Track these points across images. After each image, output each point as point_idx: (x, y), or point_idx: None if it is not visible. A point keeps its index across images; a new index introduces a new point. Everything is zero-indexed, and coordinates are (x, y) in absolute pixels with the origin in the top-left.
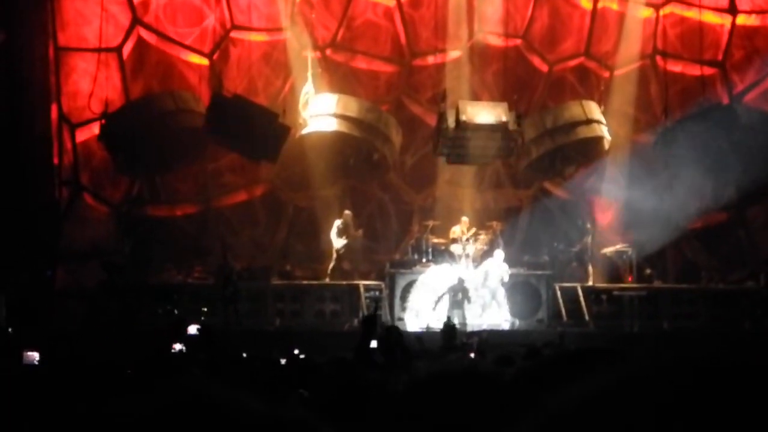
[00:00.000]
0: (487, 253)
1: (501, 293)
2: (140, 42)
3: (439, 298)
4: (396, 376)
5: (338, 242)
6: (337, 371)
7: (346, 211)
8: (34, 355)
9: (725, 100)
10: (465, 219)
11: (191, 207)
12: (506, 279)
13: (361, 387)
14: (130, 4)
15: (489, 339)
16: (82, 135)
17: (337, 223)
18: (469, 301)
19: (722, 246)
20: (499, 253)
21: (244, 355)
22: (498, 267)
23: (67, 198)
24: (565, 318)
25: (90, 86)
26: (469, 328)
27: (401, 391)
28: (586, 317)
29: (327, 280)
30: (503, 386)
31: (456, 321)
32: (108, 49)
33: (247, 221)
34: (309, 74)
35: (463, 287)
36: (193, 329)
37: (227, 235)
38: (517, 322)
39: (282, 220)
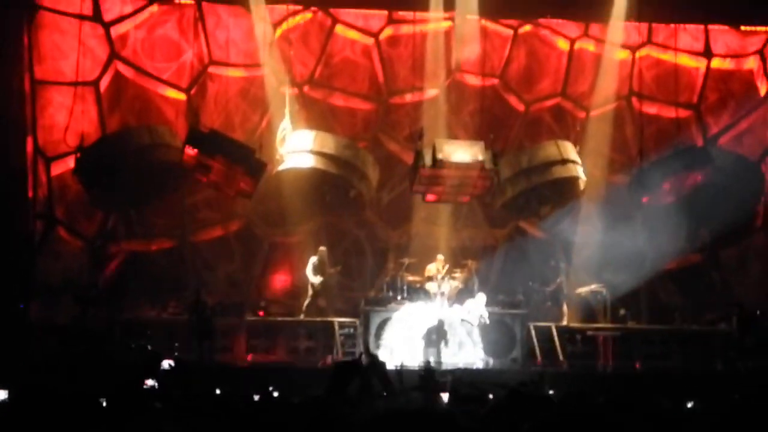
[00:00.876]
0: (462, 292)
1: (476, 332)
2: (117, 76)
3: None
4: (358, 412)
5: (314, 279)
6: (310, 408)
7: (322, 248)
8: (1, 394)
9: (699, 143)
10: (440, 257)
11: (167, 242)
12: (485, 321)
13: (327, 421)
14: (108, 38)
15: (463, 378)
16: (58, 168)
17: (313, 259)
18: (446, 343)
19: (695, 287)
20: (482, 296)
21: (218, 391)
22: (479, 309)
23: (41, 231)
24: (539, 357)
25: (66, 120)
26: (444, 367)
27: (360, 425)
28: (561, 357)
29: (302, 317)
30: (457, 425)
31: (431, 360)
32: (85, 83)
33: (222, 256)
34: (286, 110)
35: (441, 328)
36: (166, 364)
37: (202, 270)
38: (491, 361)
39: (257, 256)
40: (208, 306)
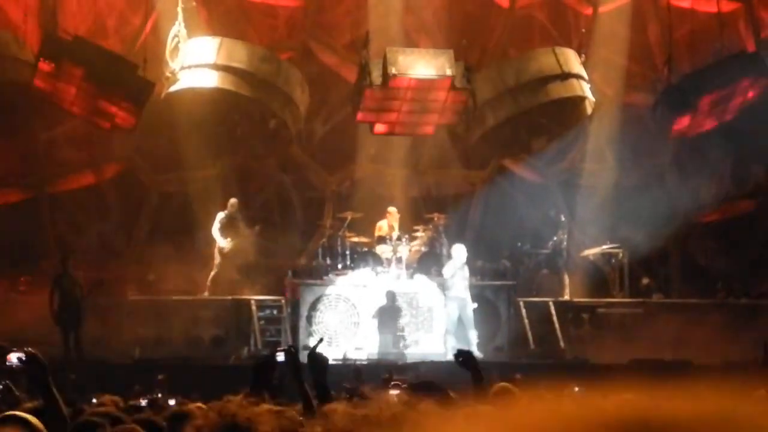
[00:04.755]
0: (427, 257)
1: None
2: None
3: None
4: (309, 423)
5: (222, 241)
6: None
7: (233, 200)
8: None
9: (750, 47)
10: (393, 210)
11: (16, 193)
12: (466, 285)
13: None
14: None
15: (430, 373)
16: None
17: (220, 216)
18: (402, 328)
19: (745, 246)
20: (460, 248)
21: (94, 400)
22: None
23: None
24: (532, 344)
25: None
26: (404, 360)
27: None
28: (561, 343)
29: (206, 294)
30: None
31: (388, 350)
32: None
33: (94, 213)
34: (179, 9)
35: (394, 306)
36: (14, 359)
37: (67, 232)
38: None
39: (143, 212)
40: (77, 282)
